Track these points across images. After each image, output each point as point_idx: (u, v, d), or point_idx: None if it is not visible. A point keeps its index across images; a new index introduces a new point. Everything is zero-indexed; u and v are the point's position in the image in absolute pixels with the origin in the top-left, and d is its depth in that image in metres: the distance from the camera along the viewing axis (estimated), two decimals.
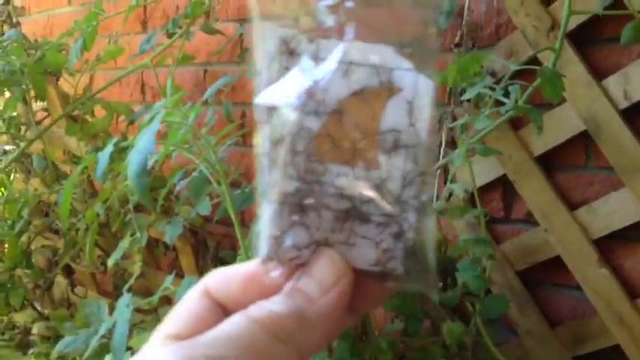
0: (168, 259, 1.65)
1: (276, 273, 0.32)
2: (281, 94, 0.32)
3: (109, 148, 0.73)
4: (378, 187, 0.32)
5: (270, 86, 0.32)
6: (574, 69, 0.99)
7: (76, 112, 1.45)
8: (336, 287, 0.31)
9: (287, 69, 0.32)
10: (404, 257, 0.33)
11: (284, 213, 0.32)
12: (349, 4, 0.33)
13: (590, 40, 1.00)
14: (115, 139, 0.77)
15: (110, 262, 1.15)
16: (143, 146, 0.64)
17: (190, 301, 0.33)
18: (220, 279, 0.33)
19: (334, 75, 0.32)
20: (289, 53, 0.32)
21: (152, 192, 1.28)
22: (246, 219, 1.34)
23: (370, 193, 0.32)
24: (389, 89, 0.32)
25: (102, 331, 0.79)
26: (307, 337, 0.30)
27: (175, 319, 0.32)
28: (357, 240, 0.32)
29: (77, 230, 1.41)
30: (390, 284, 0.33)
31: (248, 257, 0.82)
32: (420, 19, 0.34)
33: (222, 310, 0.32)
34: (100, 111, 1.53)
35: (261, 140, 0.32)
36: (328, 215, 0.32)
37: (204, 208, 1.07)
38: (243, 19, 1.54)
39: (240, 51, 1.54)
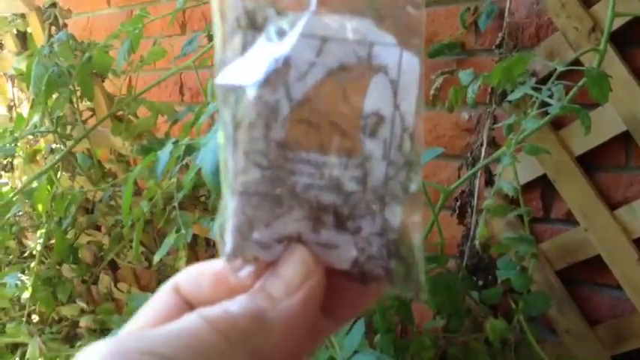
0: (208, 256, 1.68)
1: (243, 272, 0.29)
2: (245, 72, 0.28)
3: (169, 147, 0.76)
4: (359, 177, 0.28)
5: (232, 63, 0.29)
6: (615, 69, 1.00)
7: (120, 113, 1.49)
8: (302, 288, 0.28)
9: (251, 44, 0.29)
10: (386, 257, 0.29)
11: (249, 204, 0.28)
12: None
13: (632, 41, 1.01)
14: (173, 139, 0.80)
15: (156, 258, 1.18)
16: (216, 146, 0.66)
17: (159, 297, 0.31)
18: (191, 276, 0.31)
19: (306, 51, 0.28)
20: (253, 26, 0.29)
21: (195, 189, 1.32)
22: None
23: (349, 184, 0.28)
24: (369, 67, 0.28)
25: None
26: (265, 340, 0.28)
27: (141, 315, 0.30)
28: (333, 237, 0.29)
29: (122, 227, 1.44)
30: (372, 287, 0.30)
31: None
32: None
33: (190, 308, 0.30)
34: (142, 111, 1.57)
35: (223, 124, 0.29)
36: (300, 208, 0.28)
37: None
38: None
39: None
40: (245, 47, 0.29)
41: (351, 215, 0.29)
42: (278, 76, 0.28)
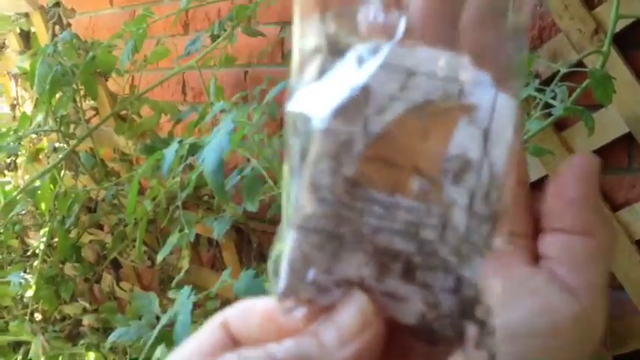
0: (210, 256, 1.69)
1: (295, 314, 0.26)
2: (319, 100, 0.26)
3: (174, 146, 0.77)
4: (436, 226, 0.25)
5: (305, 89, 0.27)
6: (618, 71, 1.00)
7: (123, 112, 1.50)
8: (357, 339, 0.25)
9: (329, 71, 0.27)
10: (459, 318, 0.26)
11: (308, 241, 0.26)
12: None
13: (635, 43, 1.02)
14: (177, 138, 0.81)
15: (159, 257, 1.18)
16: (218, 145, 0.67)
17: (205, 331, 0.29)
18: (240, 312, 0.29)
19: (388, 83, 0.26)
20: (333, 52, 0.27)
21: (198, 189, 1.32)
22: None
23: (424, 232, 0.25)
24: (458, 106, 0.26)
25: (164, 321, 0.83)
26: None
27: (184, 348, 0.29)
28: (400, 287, 0.26)
29: (125, 226, 1.45)
30: (440, 350, 0.26)
31: None
32: (503, 22, 0.27)
33: (236, 346, 0.28)
34: (145, 110, 1.57)
35: (289, 153, 0.27)
36: (366, 251, 0.26)
37: (252, 204, 1.11)
38: (283, 22, 1.57)
39: (281, 53, 1.58)
40: (322, 74, 0.27)
41: (423, 266, 0.26)
42: (355, 107, 0.25)
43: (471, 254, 0.26)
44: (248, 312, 0.29)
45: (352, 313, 0.26)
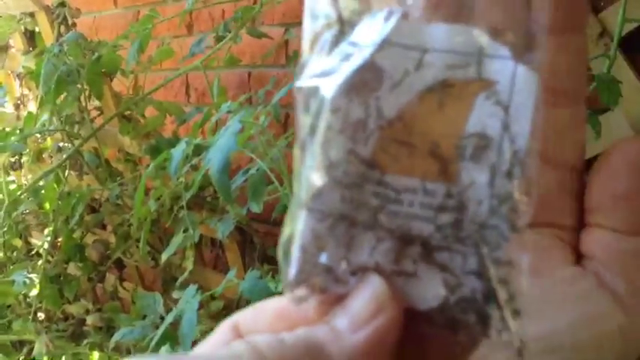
0: (212, 256, 1.69)
1: (309, 303, 0.25)
2: (330, 76, 0.25)
3: (182, 146, 0.77)
4: (455, 207, 0.24)
5: (315, 65, 0.25)
6: (623, 75, 1.01)
7: (128, 112, 1.50)
8: (371, 324, 0.24)
9: (339, 45, 0.25)
10: (482, 302, 0.24)
11: (321, 224, 0.24)
12: None
13: (639, 46, 1.02)
14: (183, 139, 0.81)
15: (163, 257, 1.19)
16: (224, 145, 0.67)
17: (215, 335, 0.28)
18: (250, 314, 0.28)
19: (401, 59, 0.24)
20: (345, 27, 0.26)
21: (201, 189, 1.33)
22: None
23: (443, 214, 0.24)
24: (476, 82, 0.24)
25: (169, 319, 0.83)
26: None
27: (194, 352, 0.27)
28: (418, 271, 0.24)
29: (129, 226, 1.45)
30: (461, 338, 0.24)
31: None
32: None
33: None
34: (149, 111, 1.58)
35: (300, 132, 0.25)
36: (382, 236, 0.24)
37: (257, 205, 1.11)
38: (288, 23, 1.58)
39: (285, 54, 1.58)
40: (332, 48, 0.25)
41: (443, 249, 0.24)
42: (367, 84, 0.24)
43: (494, 234, 0.24)
44: (258, 312, 0.28)
45: (366, 297, 0.24)
